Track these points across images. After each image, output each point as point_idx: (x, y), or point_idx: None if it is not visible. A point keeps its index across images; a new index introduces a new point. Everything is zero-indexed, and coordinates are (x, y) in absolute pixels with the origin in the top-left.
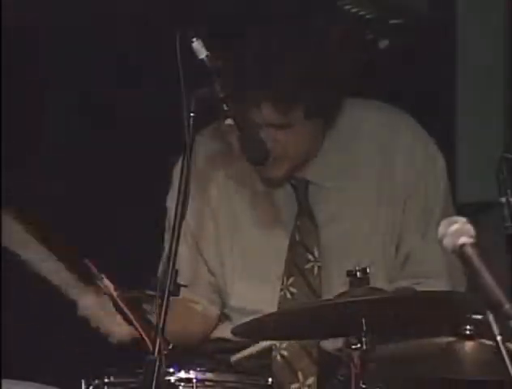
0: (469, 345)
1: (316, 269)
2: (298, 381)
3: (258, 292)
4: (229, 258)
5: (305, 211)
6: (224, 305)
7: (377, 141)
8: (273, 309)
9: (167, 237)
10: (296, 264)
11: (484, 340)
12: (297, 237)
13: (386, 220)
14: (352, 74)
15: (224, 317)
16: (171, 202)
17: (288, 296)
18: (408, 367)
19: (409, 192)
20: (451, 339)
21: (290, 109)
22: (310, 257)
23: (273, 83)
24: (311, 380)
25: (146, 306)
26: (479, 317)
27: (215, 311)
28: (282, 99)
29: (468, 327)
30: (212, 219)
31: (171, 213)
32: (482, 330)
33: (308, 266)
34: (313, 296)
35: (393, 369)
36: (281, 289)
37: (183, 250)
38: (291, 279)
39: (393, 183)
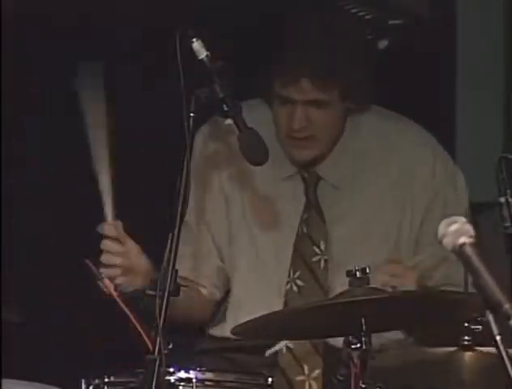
0: (468, 355)
1: (323, 262)
2: (304, 373)
3: (261, 284)
4: (237, 247)
5: (312, 206)
6: (228, 293)
7: (395, 153)
8: (276, 302)
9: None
10: (303, 257)
11: (483, 349)
12: (305, 230)
13: (398, 227)
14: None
15: (220, 316)
16: None
17: (295, 289)
18: (408, 377)
19: (427, 209)
20: (451, 349)
21: (328, 85)
22: (317, 250)
23: (314, 59)
24: (317, 373)
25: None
26: (478, 327)
27: (218, 295)
28: (321, 75)
29: (467, 337)
30: (227, 207)
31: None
32: (481, 338)
33: (315, 259)
34: (320, 290)
35: (392, 380)
36: (287, 282)
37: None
38: (298, 273)
39: (410, 198)
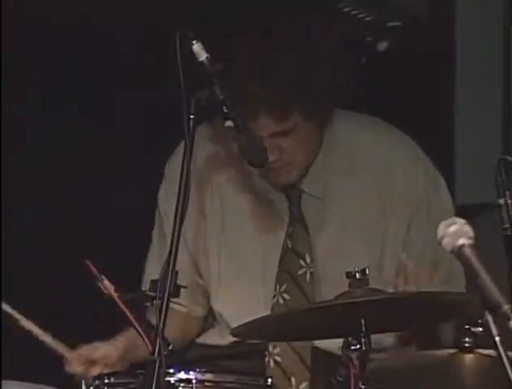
0: (469, 358)
1: (308, 275)
2: (291, 386)
3: (245, 298)
4: (216, 261)
5: (296, 219)
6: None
7: (374, 160)
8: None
9: (155, 233)
10: (289, 271)
11: (483, 351)
12: (289, 244)
13: (382, 238)
14: (351, 75)
15: (208, 323)
16: (163, 200)
17: (281, 302)
18: (408, 380)
19: (411, 214)
20: (451, 351)
21: (287, 114)
22: (302, 263)
23: (265, 93)
24: (304, 385)
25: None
26: (479, 329)
27: (198, 312)
28: (278, 105)
29: (468, 339)
30: (203, 220)
31: (163, 210)
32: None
33: (300, 272)
34: (307, 302)
35: (392, 382)
36: (274, 295)
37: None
38: (284, 286)
39: (392, 203)
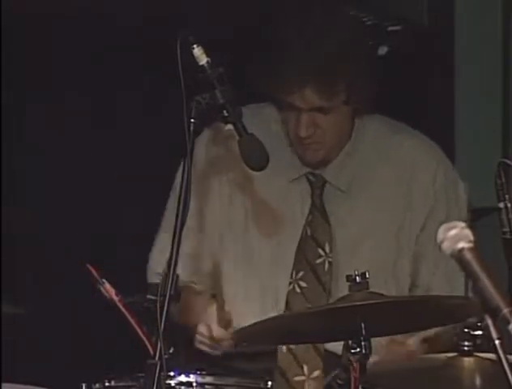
0: (468, 361)
1: (327, 264)
2: (303, 374)
3: (257, 285)
4: (235, 253)
5: (317, 208)
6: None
7: (398, 159)
8: (271, 304)
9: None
10: (307, 258)
11: (482, 354)
12: (308, 232)
13: (398, 233)
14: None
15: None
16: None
17: (298, 290)
18: (407, 383)
19: (427, 217)
20: (450, 355)
21: (332, 92)
22: (321, 252)
23: (317, 64)
24: (317, 373)
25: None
26: (478, 332)
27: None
28: (325, 82)
29: (467, 342)
30: (224, 216)
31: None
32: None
33: (319, 261)
34: (323, 292)
35: (392, 385)
36: (290, 283)
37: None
38: (300, 274)
39: (410, 204)
